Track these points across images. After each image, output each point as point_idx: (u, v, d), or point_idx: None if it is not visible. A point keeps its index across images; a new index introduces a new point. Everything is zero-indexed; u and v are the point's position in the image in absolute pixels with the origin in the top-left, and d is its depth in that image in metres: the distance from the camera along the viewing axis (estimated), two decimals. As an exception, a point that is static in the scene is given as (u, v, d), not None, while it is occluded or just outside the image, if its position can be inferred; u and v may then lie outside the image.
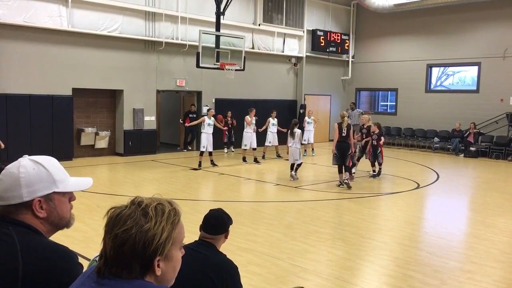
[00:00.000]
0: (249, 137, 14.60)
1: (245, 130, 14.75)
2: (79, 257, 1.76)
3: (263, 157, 15.16)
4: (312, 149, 16.66)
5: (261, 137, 15.51)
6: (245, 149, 14.62)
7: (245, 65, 15.72)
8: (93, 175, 11.96)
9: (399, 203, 9.80)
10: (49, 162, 1.69)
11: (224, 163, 14.23)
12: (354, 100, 21.55)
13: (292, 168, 11.84)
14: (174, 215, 1.37)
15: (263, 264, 5.87)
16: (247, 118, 14.73)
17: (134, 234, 1.29)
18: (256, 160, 14.47)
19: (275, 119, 15.53)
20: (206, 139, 13.33)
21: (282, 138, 16.03)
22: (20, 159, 1.67)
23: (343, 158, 10.94)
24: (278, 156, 15.66)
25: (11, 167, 1.65)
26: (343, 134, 10.90)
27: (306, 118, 16.66)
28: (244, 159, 14.44)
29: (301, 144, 12.53)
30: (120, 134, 15.55)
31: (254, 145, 14.66)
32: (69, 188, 1.72)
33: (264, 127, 15.24)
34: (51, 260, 1.58)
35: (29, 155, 1.70)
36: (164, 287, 1.36)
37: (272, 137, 15.45)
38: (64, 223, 1.73)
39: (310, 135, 16.38)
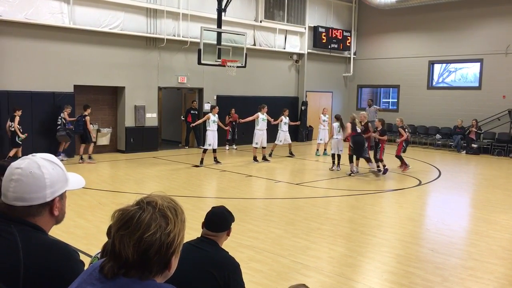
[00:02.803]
0: (260, 135, 14.31)
1: (256, 128, 14.41)
2: (81, 254, 1.77)
3: (270, 154, 14.95)
4: (325, 148, 15.91)
5: (273, 135, 15.32)
6: (256, 147, 14.30)
7: (246, 62, 15.70)
8: (95, 172, 12.00)
9: (401, 200, 9.80)
10: (59, 161, 1.73)
11: (226, 160, 14.23)
12: (371, 97, 21.55)
13: (334, 158, 12.95)
14: (182, 213, 1.41)
15: (264, 260, 5.88)
16: (258, 115, 14.39)
17: (159, 238, 1.31)
18: (265, 158, 14.33)
19: (287, 118, 15.20)
20: (213, 137, 13.21)
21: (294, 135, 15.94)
22: (33, 158, 1.66)
23: (358, 150, 12.26)
24: (291, 154, 15.40)
25: (29, 167, 1.62)
26: (358, 130, 12.30)
27: (322, 116, 16.14)
28: (255, 159, 14.13)
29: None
30: (121, 131, 15.56)
31: (265, 143, 14.47)
32: (74, 185, 1.77)
33: (276, 122, 14.92)
34: (52, 258, 1.58)
35: (33, 154, 1.71)
36: (170, 286, 1.38)
37: (283, 136, 15.06)
38: (63, 218, 1.75)
39: (325, 134, 15.71)
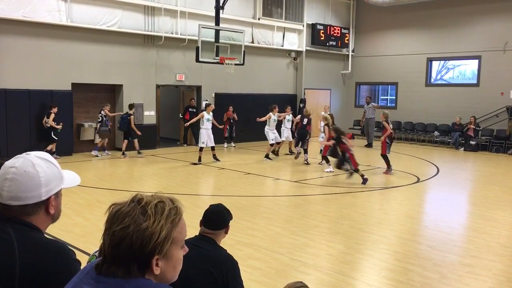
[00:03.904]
0: (273, 133, 14.46)
1: (266, 127, 14.45)
2: (79, 253, 1.77)
3: (277, 153, 14.97)
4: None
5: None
6: (272, 144, 14.36)
7: (244, 60, 15.68)
8: (93, 170, 11.99)
9: (399, 197, 9.81)
10: (53, 159, 1.72)
11: (224, 158, 14.22)
12: (369, 94, 21.34)
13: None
14: (175, 214, 1.34)
15: (263, 258, 5.89)
16: (270, 115, 14.43)
17: (132, 233, 1.26)
18: (274, 153, 14.56)
19: (290, 115, 15.30)
20: (206, 135, 13.22)
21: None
22: (27, 157, 1.64)
23: (302, 141, 13.82)
24: (291, 152, 15.42)
25: (23, 166, 1.61)
26: (304, 123, 13.81)
27: (323, 113, 16.10)
28: (267, 156, 14.17)
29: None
30: (120, 129, 15.52)
31: (279, 138, 14.65)
32: (70, 183, 1.75)
33: (280, 118, 14.99)
34: (48, 257, 1.58)
35: (27, 152, 1.70)
36: (164, 285, 1.34)
37: (287, 133, 15.20)
38: (59, 217, 1.75)
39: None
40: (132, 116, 14.15)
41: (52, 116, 12.95)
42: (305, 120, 13.70)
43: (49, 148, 12.80)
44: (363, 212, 8.42)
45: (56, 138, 13.17)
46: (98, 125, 14.23)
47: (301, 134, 13.74)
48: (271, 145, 14.42)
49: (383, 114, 12.77)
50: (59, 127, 13.11)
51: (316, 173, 12.42)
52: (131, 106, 14.36)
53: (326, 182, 11.34)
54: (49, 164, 1.66)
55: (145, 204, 1.31)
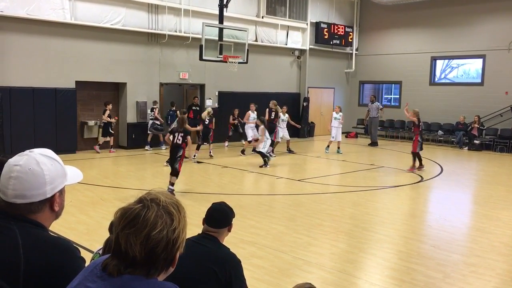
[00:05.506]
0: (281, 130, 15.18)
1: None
2: (82, 250, 1.77)
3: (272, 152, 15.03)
4: (338, 147, 15.75)
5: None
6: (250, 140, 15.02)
7: (248, 58, 15.67)
8: (97, 168, 12.01)
9: (403, 196, 9.79)
10: (57, 156, 1.71)
11: (226, 156, 14.21)
12: (374, 93, 21.30)
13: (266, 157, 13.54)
14: (183, 209, 1.42)
15: (266, 257, 5.88)
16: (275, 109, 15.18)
17: (166, 235, 1.33)
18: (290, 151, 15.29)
19: (286, 115, 15.35)
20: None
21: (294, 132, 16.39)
22: (31, 155, 1.64)
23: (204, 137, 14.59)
24: (290, 151, 15.43)
25: (28, 164, 1.60)
26: (272, 117, 14.69)
27: (334, 113, 15.94)
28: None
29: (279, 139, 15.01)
30: (123, 127, 15.56)
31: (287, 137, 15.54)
32: (73, 180, 1.76)
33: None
34: (52, 254, 1.58)
35: (30, 149, 1.69)
36: (169, 283, 1.38)
37: (282, 133, 15.28)
38: (61, 213, 1.75)
39: (338, 132, 15.64)
40: (178, 112, 15.04)
41: (107, 112, 14.22)
42: (207, 120, 14.13)
43: (101, 142, 14.46)
44: (367, 211, 8.40)
45: (113, 132, 14.55)
46: (150, 122, 15.27)
47: (204, 133, 14.16)
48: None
49: (413, 112, 12.63)
50: (113, 120, 14.50)
51: (318, 171, 12.40)
52: (173, 103, 15.60)
53: (329, 181, 11.32)
54: (52, 162, 1.66)
55: (165, 205, 1.36)
